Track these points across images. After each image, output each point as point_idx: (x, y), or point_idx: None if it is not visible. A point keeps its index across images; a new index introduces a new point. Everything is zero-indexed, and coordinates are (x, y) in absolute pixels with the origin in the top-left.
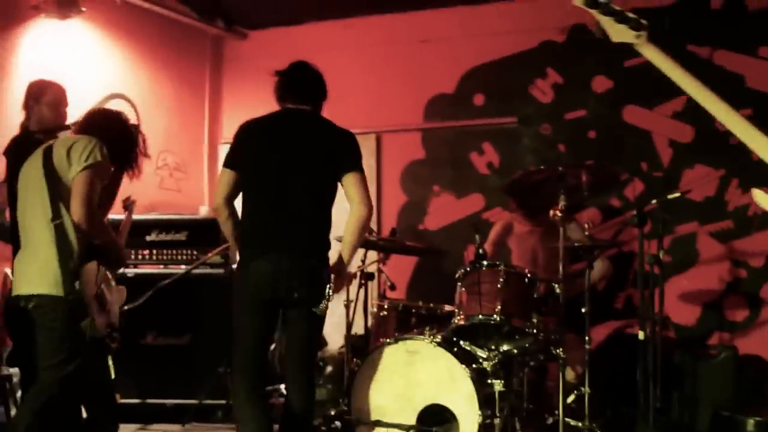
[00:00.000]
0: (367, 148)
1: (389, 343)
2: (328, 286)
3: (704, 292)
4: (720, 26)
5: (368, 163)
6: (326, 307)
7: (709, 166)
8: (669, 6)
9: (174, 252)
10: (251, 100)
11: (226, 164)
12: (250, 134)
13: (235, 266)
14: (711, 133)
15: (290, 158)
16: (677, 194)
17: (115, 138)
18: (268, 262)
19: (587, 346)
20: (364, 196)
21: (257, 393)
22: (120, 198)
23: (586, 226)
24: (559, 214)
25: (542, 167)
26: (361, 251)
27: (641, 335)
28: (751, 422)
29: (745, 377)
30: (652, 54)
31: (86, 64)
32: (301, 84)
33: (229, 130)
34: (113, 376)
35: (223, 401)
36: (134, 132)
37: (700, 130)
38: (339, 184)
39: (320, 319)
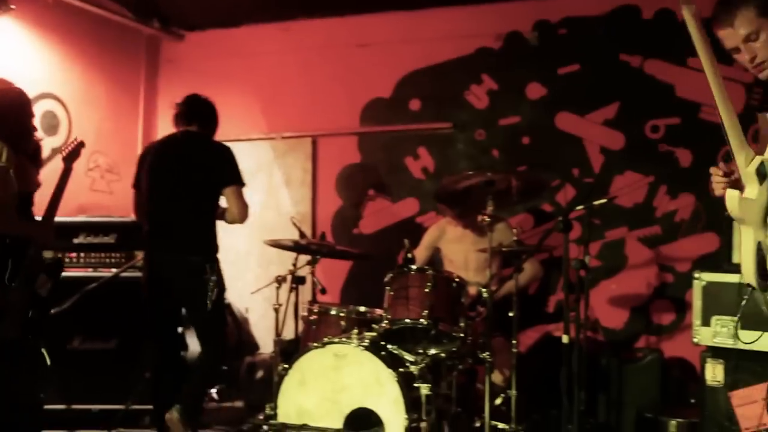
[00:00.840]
0: (302, 152)
1: (316, 347)
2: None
3: (632, 296)
4: (651, 36)
5: (304, 166)
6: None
7: (638, 173)
8: (603, 15)
9: (102, 255)
10: None
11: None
12: (145, 156)
13: None
14: (641, 140)
15: (176, 173)
16: (603, 200)
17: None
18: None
19: (514, 350)
20: (238, 207)
21: None
22: None
23: (515, 230)
24: (487, 219)
25: (470, 173)
26: (291, 255)
27: (565, 339)
28: (673, 423)
29: (669, 380)
30: (690, 20)
31: (16, 64)
32: (189, 110)
33: (164, 132)
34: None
35: (151, 406)
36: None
37: (631, 137)
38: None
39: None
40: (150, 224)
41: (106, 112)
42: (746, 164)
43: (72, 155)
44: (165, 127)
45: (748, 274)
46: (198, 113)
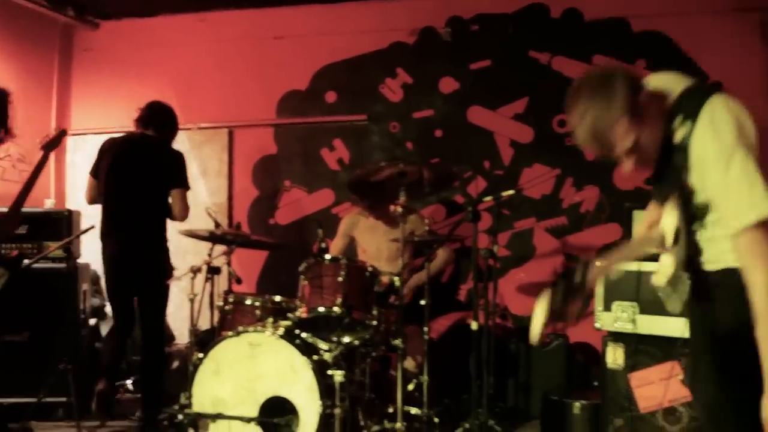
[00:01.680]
0: (218, 143)
1: (231, 336)
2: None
3: (540, 284)
4: (559, 34)
5: (220, 157)
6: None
7: (546, 166)
8: (513, 13)
9: (14, 246)
10: (102, 91)
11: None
12: (105, 150)
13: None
14: (549, 134)
15: (132, 171)
16: (512, 192)
17: None
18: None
19: (426, 337)
20: (180, 208)
21: None
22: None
23: (427, 221)
24: (400, 210)
25: (384, 164)
26: (207, 245)
27: (474, 325)
28: (577, 405)
29: (574, 364)
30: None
31: None
32: (147, 115)
33: (78, 121)
34: None
35: (64, 398)
36: None
37: (539, 131)
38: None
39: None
40: (106, 214)
41: (17, 100)
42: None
43: (52, 144)
44: (78, 116)
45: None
46: (155, 119)
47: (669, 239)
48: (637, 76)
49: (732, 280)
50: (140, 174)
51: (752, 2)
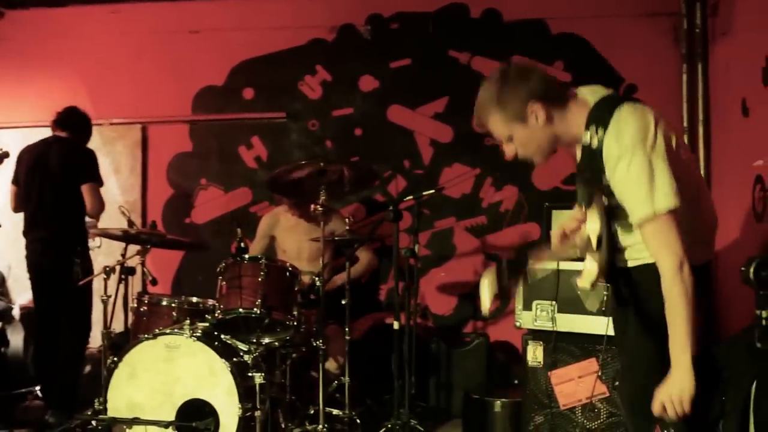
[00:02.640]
0: (131, 139)
1: (147, 339)
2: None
3: (460, 283)
4: (479, 34)
5: (133, 153)
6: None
7: (466, 165)
8: (433, 12)
9: None
10: (7, 84)
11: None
12: (21, 157)
13: None
14: (468, 134)
15: (45, 172)
16: (432, 191)
17: None
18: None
19: (347, 337)
20: (92, 203)
21: None
22: None
23: (347, 220)
24: (320, 209)
25: (303, 162)
26: (121, 245)
27: (396, 325)
28: (498, 403)
29: (495, 362)
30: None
31: None
32: (63, 119)
33: None
34: None
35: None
36: None
37: (459, 131)
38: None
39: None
40: (26, 215)
41: None
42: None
43: None
44: None
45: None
46: (70, 123)
47: (594, 243)
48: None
49: (648, 275)
50: (52, 174)
51: (664, 7)
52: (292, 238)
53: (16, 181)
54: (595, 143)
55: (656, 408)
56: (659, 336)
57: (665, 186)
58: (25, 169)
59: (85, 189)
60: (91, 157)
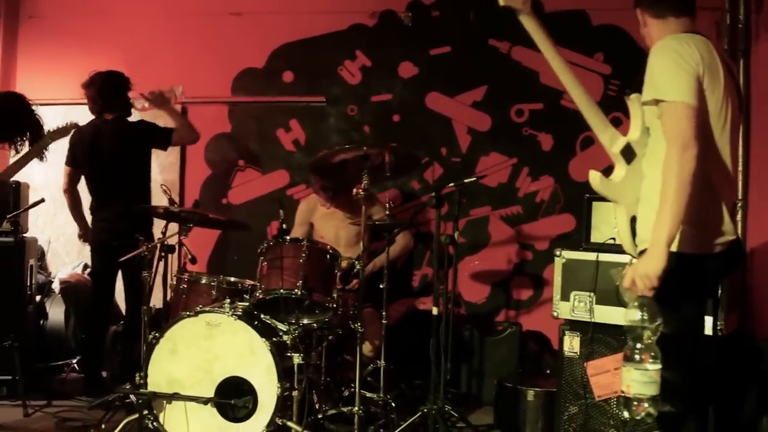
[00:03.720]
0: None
1: (189, 316)
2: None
3: (494, 272)
4: (519, 24)
5: None
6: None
7: (503, 155)
8: (474, 0)
9: None
10: (49, 61)
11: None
12: (76, 142)
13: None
14: (506, 123)
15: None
16: (473, 179)
17: None
18: None
19: (384, 321)
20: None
21: None
22: None
23: (387, 205)
24: (362, 193)
25: (347, 146)
26: (161, 223)
27: (435, 311)
28: (530, 393)
29: (527, 351)
30: (531, 25)
31: None
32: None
33: (23, 89)
34: None
35: (9, 377)
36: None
37: (497, 120)
38: None
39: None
40: (93, 195)
41: None
42: (611, 144)
43: (58, 132)
44: (23, 85)
45: (627, 246)
46: (109, 106)
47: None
48: None
49: None
50: (113, 154)
51: (707, 2)
52: (329, 225)
53: (72, 162)
54: None
55: (626, 282)
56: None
57: (677, 81)
58: (84, 151)
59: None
60: (146, 127)
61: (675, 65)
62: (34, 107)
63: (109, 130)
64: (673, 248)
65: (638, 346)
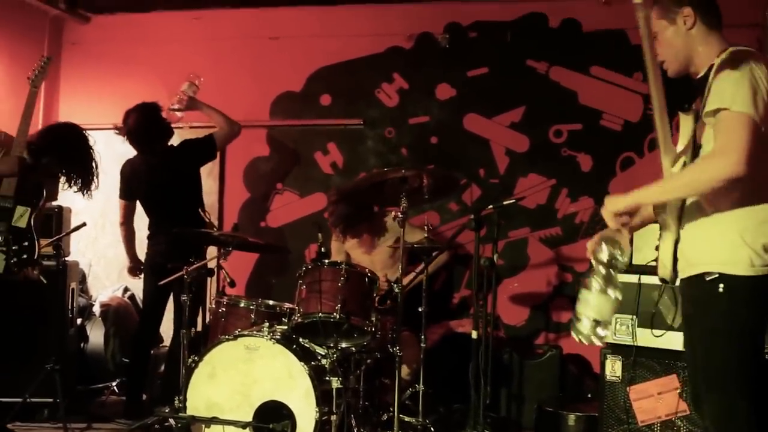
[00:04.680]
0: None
1: (228, 339)
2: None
3: (533, 294)
4: (557, 44)
5: None
6: None
7: (541, 176)
8: (511, 21)
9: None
10: (90, 86)
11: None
12: (128, 173)
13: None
14: (545, 144)
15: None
16: (512, 200)
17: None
18: None
19: (423, 345)
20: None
21: None
22: None
23: (426, 227)
24: (401, 216)
25: (386, 169)
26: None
27: (474, 334)
28: (572, 417)
29: (568, 375)
30: (642, 20)
31: None
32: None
33: (65, 116)
34: None
35: (50, 399)
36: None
37: (535, 141)
38: None
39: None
40: (150, 222)
41: (4, 92)
42: (671, 165)
43: (39, 75)
44: (66, 109)
45: (665, 270)
46: (149, 143)
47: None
48: None
49: (702, 289)
50: (163, 184)
51: (747, 18)
52: (359, 251)
53: (126, 195)
54: (710, 77)
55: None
56: (718, 355)
57: (749, 97)
58: (138, 183)
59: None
60: (190, 147)
61: (747, 81)
62: (91, 144)
63: (158, 160)
64: (744, 271)
65: (602, 276)
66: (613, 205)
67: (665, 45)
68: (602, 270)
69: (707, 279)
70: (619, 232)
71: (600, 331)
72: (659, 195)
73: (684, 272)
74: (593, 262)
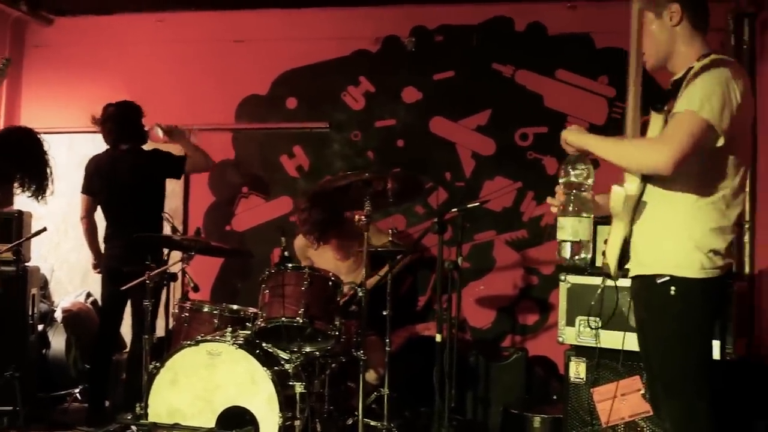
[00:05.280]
0: (174, 146)
1: (189, 345)
2: None
3: (499, 297)
4: (523, 48)
5: None
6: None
7: (507, 179)
8: (477, 25)
9: None
10: (53, 90)
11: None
12: (92, 169)
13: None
14: (511, 147)
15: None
16: (476, 204)
17: None
18: None
19: (387, 349)
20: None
21: None
22: None
23: (390, 231)
24: (364, 220)
25: (349, 172)
26: (164, 251)
27: (438, 338)
28: (537, 419)
29: (534, 377)
30: (635, 11)
31: None
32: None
33: (27, 118)
34: None
35: (10, 407)
36: None
37: (501, 144)
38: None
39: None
40: (108, 223)
41: None
42: None
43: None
44: (28, 113)
45: (611, 262)
46: (124, 136)
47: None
48: None
49: (658, 290)
50: (128, 184)
51: (711, 23)
52: (325, 257)
53: (88, 190)
54: (687, 79)
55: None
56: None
57: (718, 107)
58: (101, 180)
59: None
60: (161, 156)
61: (720, 92)
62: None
63: (125, 160)
64: (696, 274)
65: (572, 199)
66: (569, 134)
67: (648, 38)
68: (572, 193)
69: (658, 281)
70: (582, 154)
71: (582, 253)
72: (601, 150)
73: (634, 270)
74: (562, 186)
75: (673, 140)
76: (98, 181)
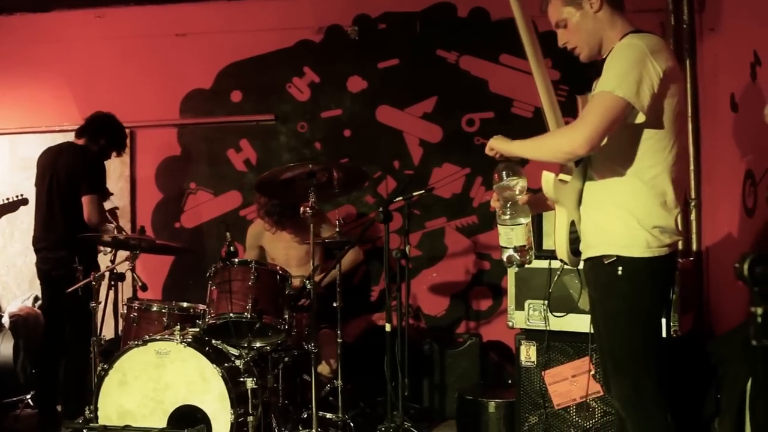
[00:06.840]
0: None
1: (137, 345)
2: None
3: (452, 283)
4: (466, 33)
5: (121, 158)
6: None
7: (456, 165)
8: (420, 11)
9: None
10: None
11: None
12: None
13: None
14: (458, 133)
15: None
16: (421, 192)
17: None
18: None
19: (340, 340)
20: (87, 214)
21: None
22: None
23: (337, 222)
24: (309, 212)
25: (292, 164)
26: (110, 251)
27: (388, 327)
28: (492, 404)
29: (488, 362)
30: (516, 7)
31: None
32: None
33: None
34: None
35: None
36: None
37: (448, 131)
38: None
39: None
40: (36, 222)
41: None
42: None
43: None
44: None
45: (561, 251)
46: (86, 129)
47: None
48: None
49: (605, 270)
50: (58, 182)
51: (651, 3)
52: (278, 246)
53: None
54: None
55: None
56: (629, 323)
57: (634, 84)
58: (37, 174)
59: (84, 200)
60: (94, 167)
61: (635, 68)
62: None
63: (65, 154)
64: (642, 253)
65: (509, 205)
66: (494, 142)
67: (574, 31)
68: (507, 201)
69: (606, 262)
70: (514, 162)
71: (519, 258)
72: (525, 152)
73: (585, 253)
74: (497, 195)
75: (585, 121)
76: (40, 170)
